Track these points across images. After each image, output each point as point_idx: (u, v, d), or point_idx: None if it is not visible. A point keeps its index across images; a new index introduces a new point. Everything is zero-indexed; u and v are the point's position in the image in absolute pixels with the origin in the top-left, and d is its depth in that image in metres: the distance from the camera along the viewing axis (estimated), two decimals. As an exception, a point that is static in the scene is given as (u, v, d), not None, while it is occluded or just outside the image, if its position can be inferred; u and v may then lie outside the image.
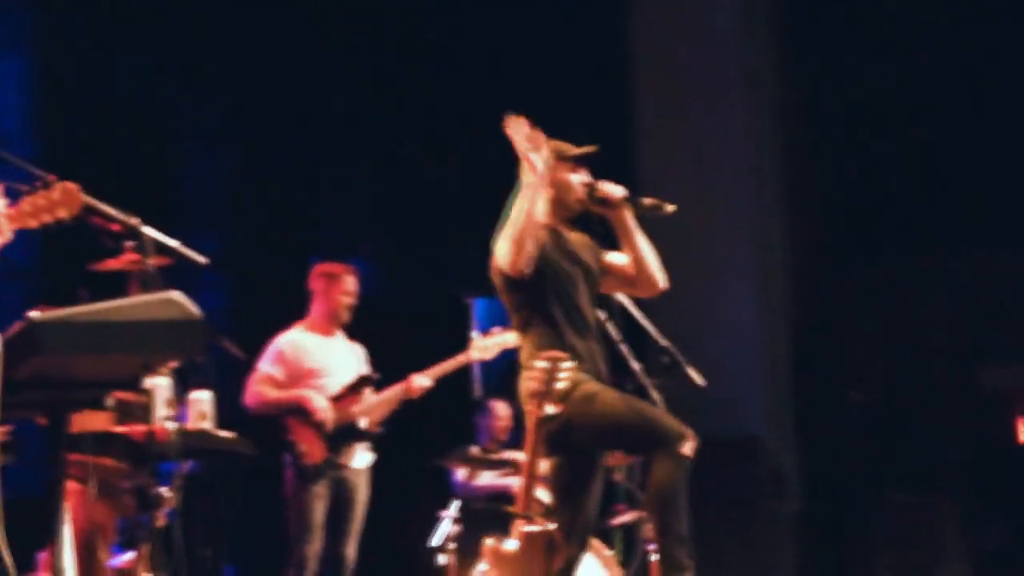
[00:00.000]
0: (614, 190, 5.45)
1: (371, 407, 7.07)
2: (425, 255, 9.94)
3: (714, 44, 9.80)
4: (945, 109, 10.19)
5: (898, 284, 10.36)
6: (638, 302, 6.01)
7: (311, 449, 6.88)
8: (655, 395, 6.26)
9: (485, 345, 7.26)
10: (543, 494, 5.55)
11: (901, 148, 10.27)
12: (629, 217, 5.45)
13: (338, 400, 6.99)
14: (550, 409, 4.99)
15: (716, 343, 8.74)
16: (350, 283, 7.21)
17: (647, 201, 5.50)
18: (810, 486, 9.67)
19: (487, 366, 8.07)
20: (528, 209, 5.14)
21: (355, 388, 7.07)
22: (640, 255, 5.46)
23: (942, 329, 10.22)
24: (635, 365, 6.18)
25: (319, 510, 6.92)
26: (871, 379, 10.18)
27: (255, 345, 7.09)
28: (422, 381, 7.20)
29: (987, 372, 9.84)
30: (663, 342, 6.28)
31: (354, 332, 7.25)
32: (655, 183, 8.90)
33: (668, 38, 9.82)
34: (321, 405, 6.90)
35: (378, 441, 7.17)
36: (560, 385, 4.98)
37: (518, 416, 6.78)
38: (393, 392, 7.15)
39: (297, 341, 7.13)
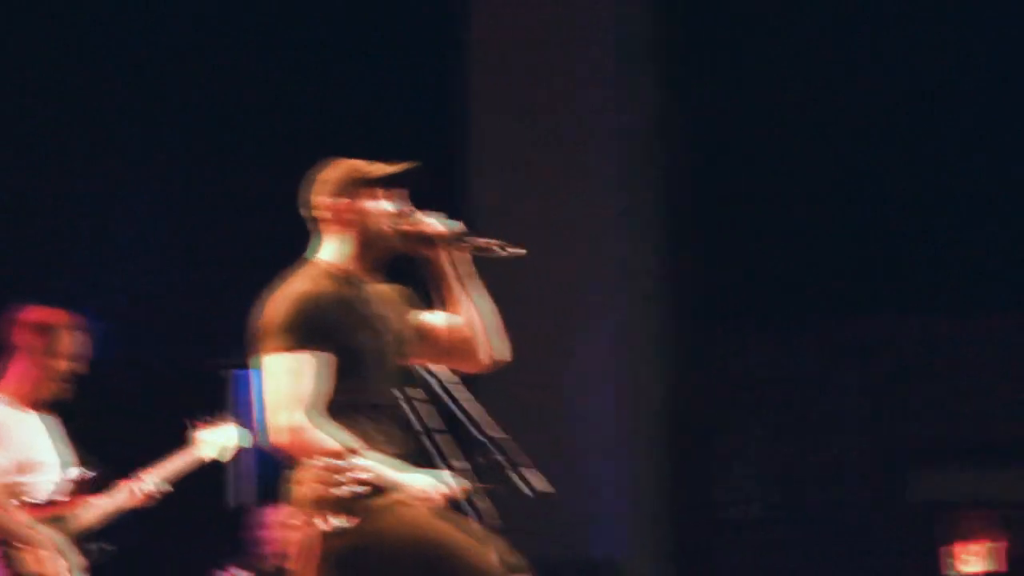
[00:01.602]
0: (438, 224, 5.07)
1: (98, 515, 6.65)
2: (172, 314, 9.91)
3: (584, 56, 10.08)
4: (863, 152, 10.90)
5: (796, 359, 10.71)
6: (464, 379, 5.52)
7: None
8: (480, 506, 5.74)
9: (209, 440, 6.95)
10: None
11: (805, 192, 10.77)
12: (459, 262, 5.13)
13: (58, 505, 6.59)
14: (335, 522, 4.78)
15: (566, 439, 8.84)
16: (74, 341, 6.69)
17: (483, 241, 5.11)
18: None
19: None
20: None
21: (80, 490, 6.66)
22: (471, 314, 5.17)
23: (849, 424, 10.54)
24: (456, 464, 5.55)
25: None
26: (760, 490, 10.41)
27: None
28: (151, 483, 6.75)
29: (920, 476, 10.16)
30: (495, 435, 5.69)
31: (63, 408, 6.85)
32: (498, 223, 8.90)
33: (513, 52, 10.09)
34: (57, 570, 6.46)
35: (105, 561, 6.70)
36: (343, 491, 4.74)
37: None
38: (114, 498, 6.69)
39: (10, 418, 6.62)
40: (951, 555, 10.22)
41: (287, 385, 4.88)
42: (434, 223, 5.07)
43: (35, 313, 6.73)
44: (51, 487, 6.62)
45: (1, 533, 6.38)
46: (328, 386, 4.90)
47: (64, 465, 6.72)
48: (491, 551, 4.92)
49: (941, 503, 10.25)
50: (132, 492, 6.68)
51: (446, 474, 5.14)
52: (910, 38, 11.10)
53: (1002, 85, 11.14)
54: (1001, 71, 11.15)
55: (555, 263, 8.88)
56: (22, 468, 6.54)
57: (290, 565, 6.48)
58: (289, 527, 7.45)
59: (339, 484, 4.70)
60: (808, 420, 10.53)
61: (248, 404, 7.55)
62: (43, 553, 6.39)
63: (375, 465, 4.84)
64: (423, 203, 5.16)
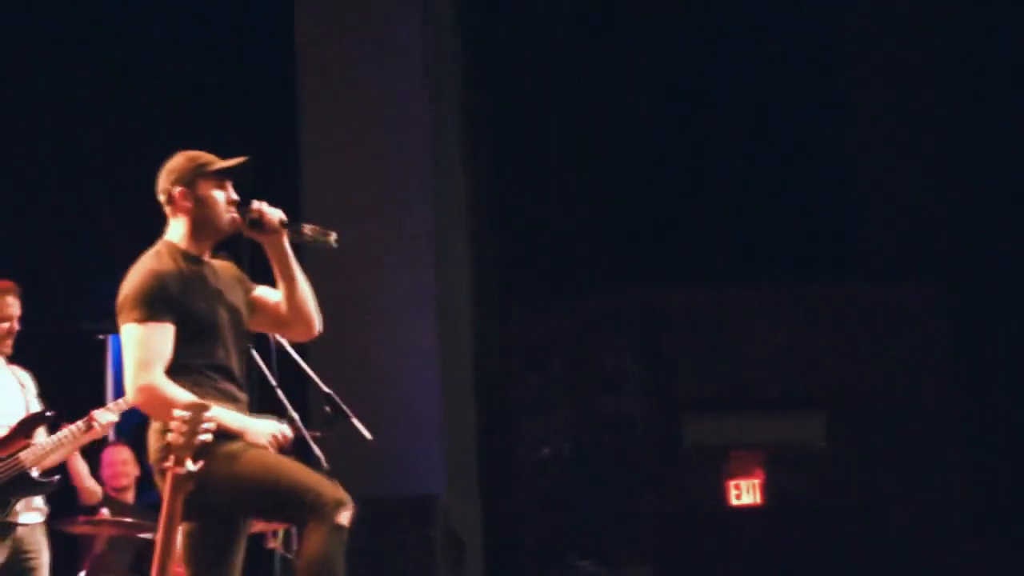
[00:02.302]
0: (270, 212, 5.43)
1: (45, 452, 6.77)
2: (53, 285, 9.74)
3: (393, 55, 10.08)
4: (634, 146, 11.21)
5: (586, 325, 10.79)
6: (297, 343, 6.02)
7: None
8: (316, 450, 6.39)
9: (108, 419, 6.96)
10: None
11: (587, 185, 11.10)
12: (286, 246, 5.46)
13: (3, 444, 6.72)
14: (187, 467, 4.93)
15: (388, 390, 8.99)
16: (11, 303, 6.93)
17: (308, 228, 5.50)
18: (492, 553, 9.91)
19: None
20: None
21: (25, 429, 6.79)
22: (295, 292, 5.48)
23: (636, 375, 10.67)
24: (293, 415, 6.10)
25: None
26: (560, 432, 10.54)
27: None
28: (107, 416, 6.92)
29: (691, 426, 10.42)
30: (325, 389, 6.31)
31: None
32: (322, 206, 9.40)
33: (339, 46, 10.12)
34: None
35: (54, 493, 6.91)
36: (201, 439, 4.94)
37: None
38: (71, 432, 6.83)
39: None
40: (727, 487, 10.43)
41: (139, 351, 5.15)
42: (269, 210, 5.38)
43: None
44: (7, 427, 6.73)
45: None
46: (172, 351, 5.17)
47: (18, 405, 6.89)
48: (327, 486, 5.18)
49: (713, 447, 10.48)
50: (92, 428, 6.79)
51: (282, 423, 5.44)
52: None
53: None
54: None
55: (372, 247, 9.03)
56: None
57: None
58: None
59: (191, 433, 4.85)
60: (594, 377, 10.61)
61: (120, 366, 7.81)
62: None
63: (221, 415, 5.10)
64: (255, 191, 5.44)
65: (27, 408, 6.92)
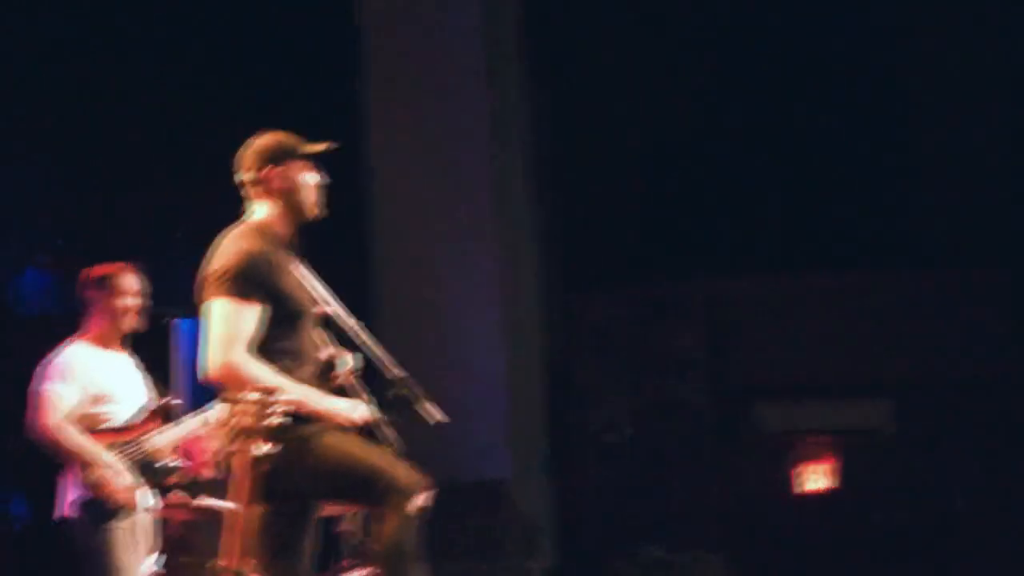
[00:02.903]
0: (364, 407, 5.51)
1: (171, 439, 6.73)
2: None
3: (455, 44, 10.05)
4: (701, 138, 11.10)
5: (651, 312, 10.76)
6: (372, 328, 5.95)
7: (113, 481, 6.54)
8: (387, 434, 6.38)
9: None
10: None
11: (653, 174, 11.09)
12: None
13: (131, 430, 6.71)
14: (260, 450, 4.91)
15: (459, 376, 8.93)
16: (129, 283, 6.86)
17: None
18: (562, 540, 9.87)
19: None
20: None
21: (156, 415, 6.81)
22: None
23: (702, 362, 10.64)
24: (366, 398, 6.06)
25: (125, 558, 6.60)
26: (626, 417, 10.52)
27: None
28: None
29: (760, 412, 10.44)
30: (397, 372, 6.37)
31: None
32: (394, 215, 9.33)
33: (405, 36, 10.06)
34: (122, 485, 6.53)
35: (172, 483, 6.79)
36: (272, 422, 4.91)
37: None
38: (193, 423, 6.77)
39: (84, 357, 6.80)
40: (796, 476, 10.39)
41: (226, 328, 5.11)
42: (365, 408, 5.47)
43: (94, 270, 6.90)
44: (126, 416, 6.71)
45: (70, 455, 6.52)
46: (260, 331, 5.14)
47: (139, 396, 6.86)
48: (402, 470, 5.22)
49: (782, 433, 10.47)
50: (206, 421, 6.67)
51: (361, 404, 5.44)
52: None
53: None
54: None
55: (442, 238, 9.04)
56: (96, 400, 6.65)
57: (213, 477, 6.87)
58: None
59: (268, 414, 4.80)
60: (660, 363, 10.58)
61: (188, 349, 7.70)
62: (109, 471, 6.47)
63: (300, 396, 5.10)
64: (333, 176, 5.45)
65: (146, 390, 6.95)
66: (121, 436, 6.67)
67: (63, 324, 9.27)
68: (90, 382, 6.72)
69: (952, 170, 11.48)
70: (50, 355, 6.82)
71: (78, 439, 6.61)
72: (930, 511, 10.32)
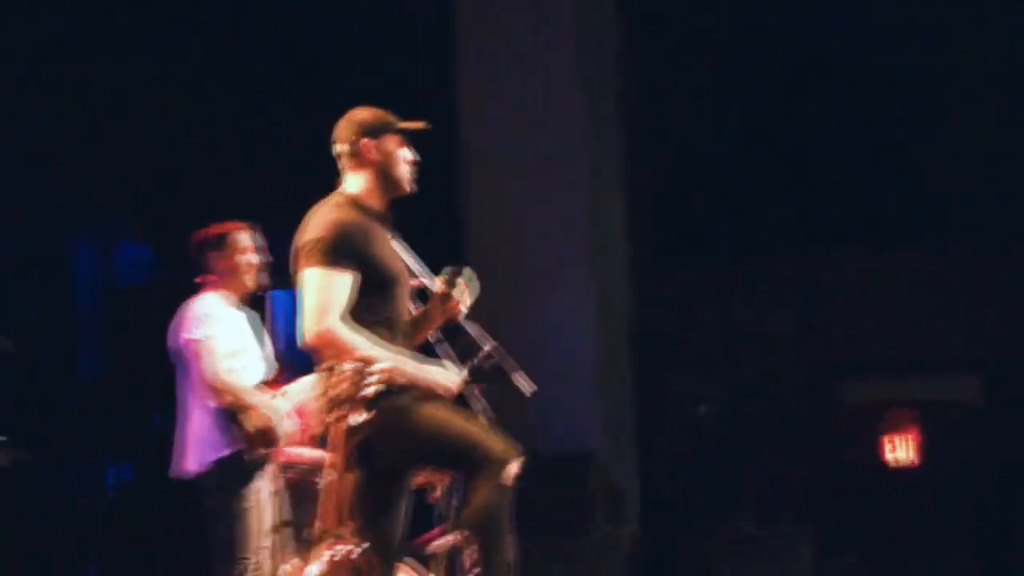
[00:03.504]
0: (463, 313, 5.58)
1: (293, 400, 6.71)
2: None
3: (550, 34, 9.95)
4: (788, 114, 11.01)
5: (739, 288, 10.79)
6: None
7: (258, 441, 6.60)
8: (479, 405, 6.40)
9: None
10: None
11: (742, 150, 10.94)
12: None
13: (268, 385, 6.75)
14: (356, 419, 4.96)
15: (548, 348, 8.91)
16: (245, 239, 6.92)
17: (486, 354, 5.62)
18: (648, 509, 9.84)
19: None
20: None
21: (280, 378, 6.83)
22: (420, 333, 5.58)
23: (793, 338, 10.64)
24: (458, 368, 6.26)
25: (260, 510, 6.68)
26: (717, 392, 10.53)
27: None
28: None
29: (847, 385, 10.43)
30: (489, 345, 6.43)
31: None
32: (485, 184, 9.37)
33: (500, 26, 10.00)
34: (282, 430, 6.59)
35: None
36: (368, 392, 4.96)
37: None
38: (297, 391, 6.72)
39: (221, 309, 6.84)
40: (883, 446, 10.36)
41: (320, 296, 5.11)
42: (464, 301, 5.53)
43: (209, 230, 6.92)
44: (257, 372, 6.79)
45: (230, 400, 6.57)
46: (353, 299, 5.14)
47: (265, 352, 6.95)
48: (495, 440, 5.19)
49: (869, 405, 10.41)
50: (305, 390, 6.50)
51: (455, 373, 5.41)
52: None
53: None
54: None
55: (533, 218, 8.99)
56: (230, 355, 6.69)
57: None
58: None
59: (364, 383, 4.88)
60: (748, 338, 10.60)
61: (282, 321, 7.51)
62: (265, 413, 6.51)
63: (401, 364, 5.11)
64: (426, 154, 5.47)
65: (267, 347, 6.99)
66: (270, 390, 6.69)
67: (155, 293, 9.36)
68: (229, 335, 6.76)
69: None
70: (182, 310, 6.82)
71: (242, 386, 6.66)
72: (1017, 486, 10.20)
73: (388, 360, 5.10)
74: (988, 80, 11.26)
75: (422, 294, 5.67)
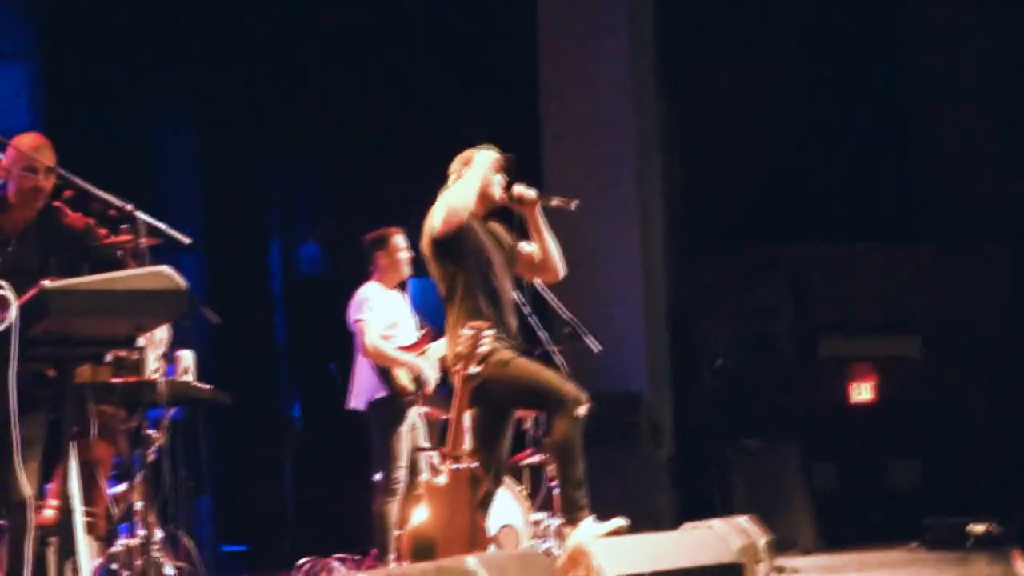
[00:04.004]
0: (528, 192, 5.35)
1: (433, 357, 6.71)
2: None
3: (606, 70, 9.58)
4: (789, 128, 10.60)
5: (749, 270, 10.47)
6: (546, 284, 5.92)
7: (406, 388, 6.63)
8: (558, 360, 6.29)
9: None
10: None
11: (749, 157, 10.60)
12: (539, 215, 5.37)
13: (410, 348, 6.74)
14: (472, 370, 4.92)
15: (610, 319, 8.66)
16: (400, 241, 6.89)
17: (555, 200, 5.40)
18: (681, 435, 9.69)
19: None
20: (468, 189, 5.16)
21: (425, 340, 6.79)
22: (546, 247, 5.39)
23: (784, 308, 10.34)
24: (542, 335, 6.19)
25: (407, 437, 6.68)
26: (730, 350, 10.26)
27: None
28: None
29: (824, 343, 10.08)
30: (567, 315, 6.34)
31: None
32: (557, 187, 9.08)
33: (569, 64, 9.63)
34: (429, 378, 6.63)
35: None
36: (481, 350, 4.93)
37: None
38: (436, 349, 6.66)
39: (377, 294, 6.82)
40: (849, 389, 10.18)
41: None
42: (527, 190, 5.36)
43: (375, 233, 6.92)
44: (408, 337, 6.78)
45: (390, 362, 6.59)
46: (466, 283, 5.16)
47: (412, 324, 6.94)
48: (570, 385, 5.16)
49: (842, 358, 10.15)
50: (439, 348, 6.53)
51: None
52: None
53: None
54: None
55: (594, 214, 8.25)
56: (391, 326, 6.74)
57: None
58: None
59: (473, 345, 4.91)
60: (754, 308, 10.28)
61: (419, 300, 7.56)
62: (411, 367, 6.56)
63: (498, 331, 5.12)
64: (515, 174, 5.45)
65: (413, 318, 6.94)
66: (409, 351, 6.68)
67: (330, 282, 9.28)
68: (382, 312, 6.74)
69: (965, 158, 10.97)
70: (354, 294, 6.80)
71: (392, 350, 6.64)
72: (949, 418, 10.00)
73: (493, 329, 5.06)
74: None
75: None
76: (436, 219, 5.17)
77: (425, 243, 5.29)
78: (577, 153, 9.51)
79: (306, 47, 10.27)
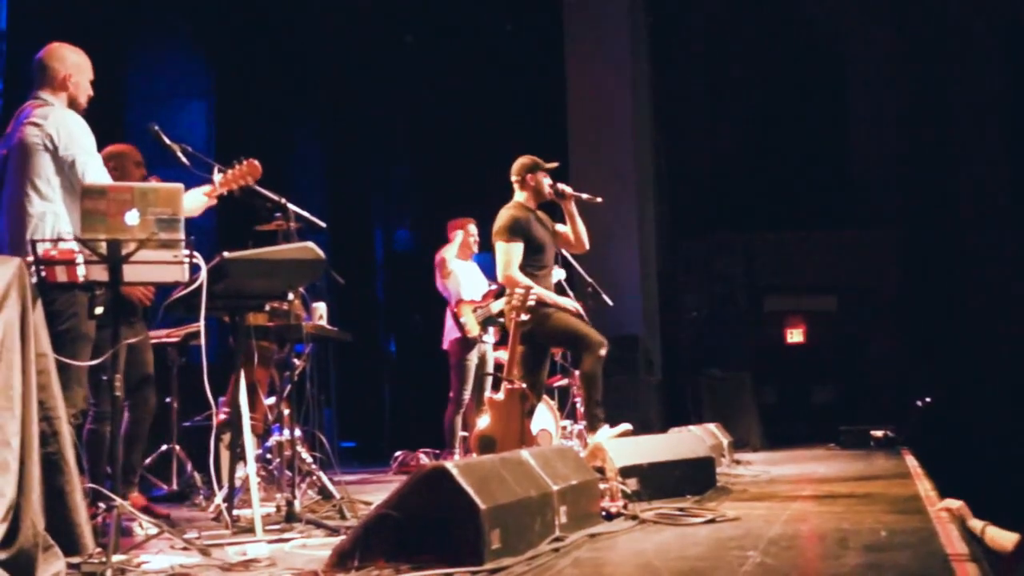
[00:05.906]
0: (568, 189, 5.27)
1: (495, 308, 6.37)
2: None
3: (617, 88, 9.07)
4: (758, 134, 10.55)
5: (716, 248, 10.40)
6: (574, 255, 5.86)
7: (471, 327, 6.40)
8: (583, 314, 6.19)
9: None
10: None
11: (727, 162, 10.50)
12: (573, 206, 5.28)
13: (483, 299, 6.54)
14: (523, 318, 4.86)
15: (614, 282, 8.07)
16: (472, 229, 6.68)
17: (585, 196, 5.29)
18: (667, 366, 9.61)
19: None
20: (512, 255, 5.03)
21: (489, 296, 6.56)
22: (577, 229, 5.30)
23: (740, 276, 10.29)
24: (570, 293, 6.07)
25: (473, 367, 6.50)
26: (702, 304, 10.22)
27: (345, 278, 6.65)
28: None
29: (768, 300, 10.22)
30: (589, 279, 6.28)
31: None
32: (582, 183, 8.86)
33: (589, 83, 9.16)
34: (473, 327, 6.34)
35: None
36: (529, 304, 4.88)
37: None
38: (497, 303, 6.35)
39: (455, 264, 6.58)
40: (786, 333, 10.24)
41: (505, 257, 5.05)
42: (567, 188, 5.25)
43: (455, 221, 6.72)
44: (478, 294, 6.55)
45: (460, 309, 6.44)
46: (521, 257, 5.05)
47: (483, 285, 6.68)
48: (594, 332, 5.04)
49: (780, 312, 10.21)
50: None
51: (572, 300, 5.31)
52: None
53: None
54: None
55: (607, 203, 8.40)
56: (470, 286, 6.56)
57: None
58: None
59: (523, 301, 4.83)
60: (719, 276, 10.21)
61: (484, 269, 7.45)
62: (481, 315, 6.33)
63: (545, 293, 5.04)
64: (556, 176, 5.33)
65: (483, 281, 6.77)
66: (479, 304, 6.51)
67: (417, 257, 9.10)
68: (463, 278, 6.58)
69: (877, 144, 10.72)
70: (436, 255, 6.63)
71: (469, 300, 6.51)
72: (857, 354, 10.03)
73: (540, 291, 5.02)
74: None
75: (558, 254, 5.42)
76: (499, 223, 5.08)
77: (495, 232, 5.19)
78: (592, 155, 9.09)
79: (401, 86, 10.13)
